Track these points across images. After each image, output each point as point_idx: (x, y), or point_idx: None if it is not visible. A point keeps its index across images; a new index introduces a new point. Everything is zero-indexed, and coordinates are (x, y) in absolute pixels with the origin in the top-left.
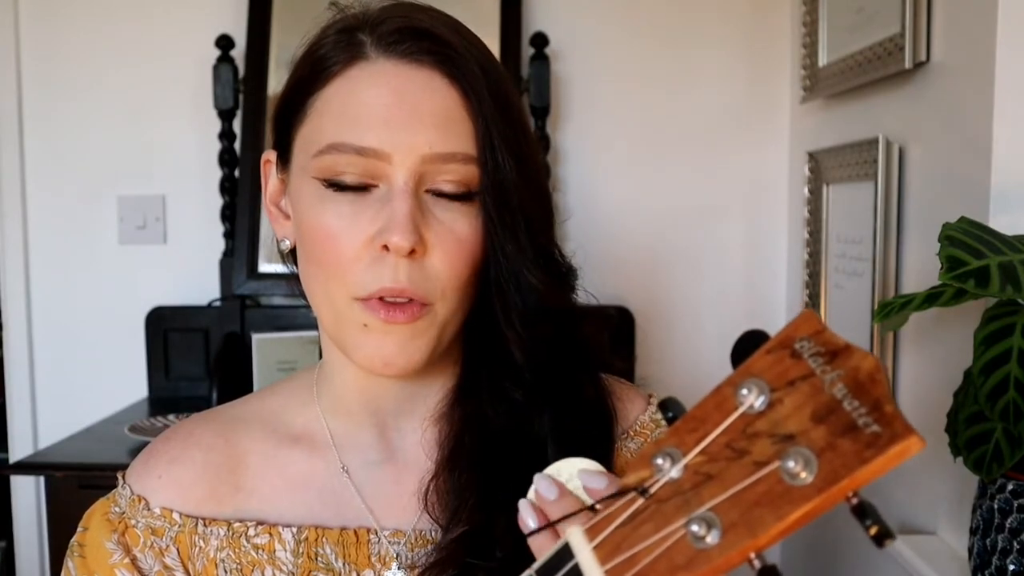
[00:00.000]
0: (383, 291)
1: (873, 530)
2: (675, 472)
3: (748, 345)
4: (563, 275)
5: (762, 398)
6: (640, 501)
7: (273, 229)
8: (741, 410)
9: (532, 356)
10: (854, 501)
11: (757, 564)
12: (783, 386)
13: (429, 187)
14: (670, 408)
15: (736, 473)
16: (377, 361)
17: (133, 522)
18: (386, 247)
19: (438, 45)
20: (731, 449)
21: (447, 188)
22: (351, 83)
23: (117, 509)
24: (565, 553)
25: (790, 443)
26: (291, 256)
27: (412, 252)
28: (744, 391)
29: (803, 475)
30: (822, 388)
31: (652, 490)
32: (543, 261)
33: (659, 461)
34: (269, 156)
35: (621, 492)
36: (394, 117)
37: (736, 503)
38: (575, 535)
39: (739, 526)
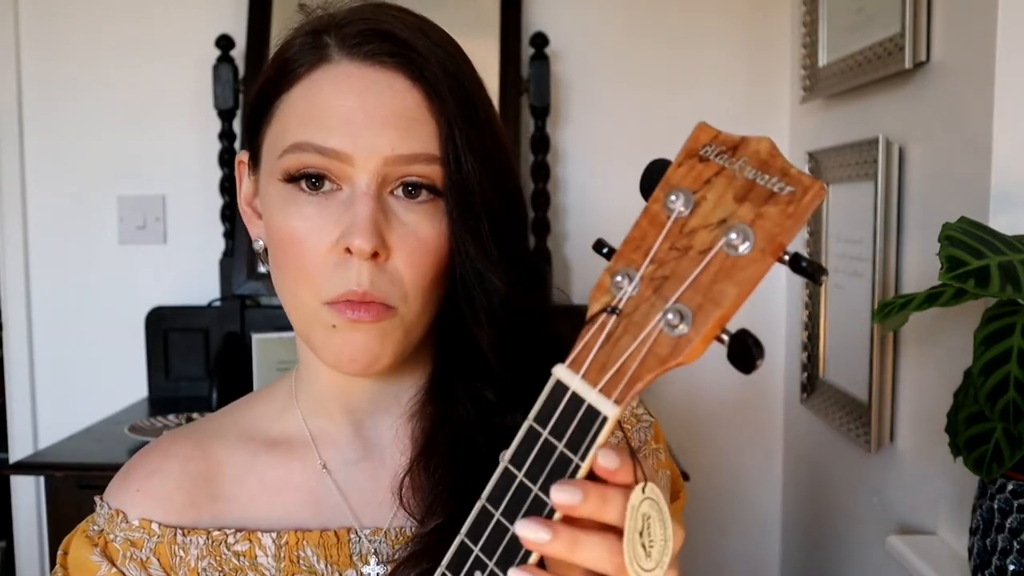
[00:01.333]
0: (348, 294)
1: (811, 268)
2: (633, 288)
3: (654, 172)
4: (531, 274)
5: (688, 201)
6: (612, 321)
7: (248, 230)
8: (673, 217)
9: (502, 354)
10: (786, 258)
11: (726, 338)
12: (701, 186)
13: (393, 189)
14: (604, 245)
15: (687, 266)
16: (344, 358)
17: (112, 536)
18: (349, 250)
19: (400, 47)
20: (676, 250)
21: (410, 190)
22: (315, 85)
23: (96, 527)
24: (558, 390)
25: (724, 226)
26: (266, 256)
27: (375, 255)
28: (672, 199)
29: (744, 245)
30: (735, 176)
31: (620, 307)
32: (508, 261)
33: (618, 279)
34: (242, 157)
35: (590, 320)
36: (356, 119)
37: (696, 289)
38: (560, 371)
39: (705, 304)
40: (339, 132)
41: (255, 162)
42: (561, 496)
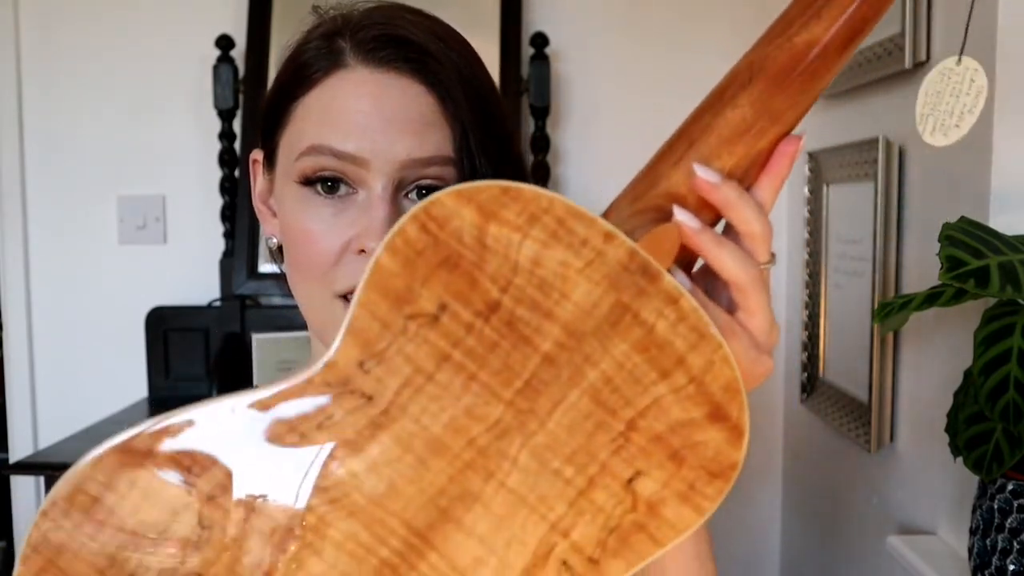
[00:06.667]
0: None
1: None
2: None
3: None
4: None
5: None
6: None
7: (262, 227)
8: None
9: None
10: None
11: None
12: None
13: (408, 192)
14: None
15: None
16: None
17: None
18: (363, 251)
19: (415, 52)
20: None
21: (424, 193)
22: (331, 91)
23: None
24: None
25: None
26: (280, 254)
27: None
28: None
29: None
30: None
31: None
32: None
33: None
34: (256, 156)
35: None
36: (372, 124)
37: None
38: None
39: None
40: (356, 136)
41: (270, 161)
42: (703, 172)
